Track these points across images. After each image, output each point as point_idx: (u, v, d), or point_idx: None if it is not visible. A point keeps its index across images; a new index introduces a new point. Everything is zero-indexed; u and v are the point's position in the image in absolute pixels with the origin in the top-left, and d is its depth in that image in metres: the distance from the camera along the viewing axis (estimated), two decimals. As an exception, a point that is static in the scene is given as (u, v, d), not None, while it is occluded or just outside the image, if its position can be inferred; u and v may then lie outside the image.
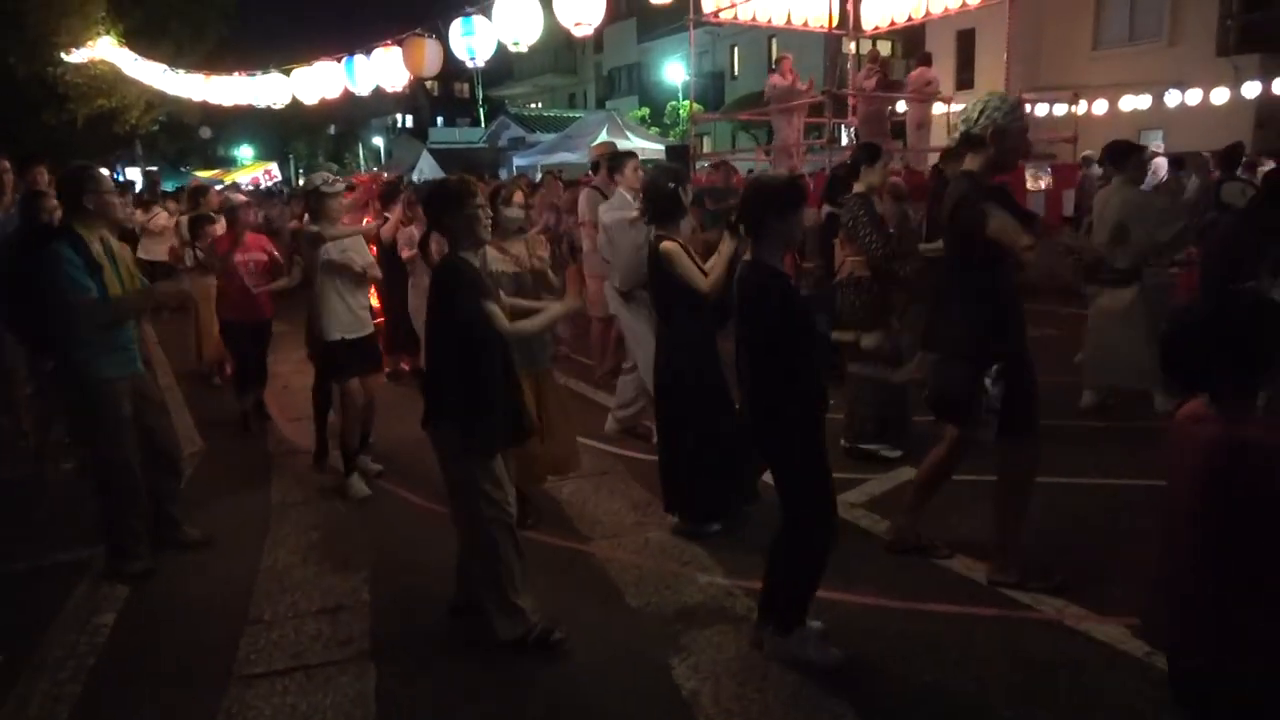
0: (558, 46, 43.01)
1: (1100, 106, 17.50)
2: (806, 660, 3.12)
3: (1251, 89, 16.06)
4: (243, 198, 7.30)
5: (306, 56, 10.71)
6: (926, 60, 12.89)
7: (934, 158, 12.70)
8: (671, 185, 4.35)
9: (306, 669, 3.31)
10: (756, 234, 3.14)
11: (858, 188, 5.31)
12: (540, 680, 3.17)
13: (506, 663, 3.29)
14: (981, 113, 3.46)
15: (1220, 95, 15.95)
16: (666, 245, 4.20)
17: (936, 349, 3.79)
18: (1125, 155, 5.86)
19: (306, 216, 5.63)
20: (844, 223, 5.31)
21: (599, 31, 39.71)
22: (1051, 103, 17.11)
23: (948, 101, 14.04)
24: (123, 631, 3.68)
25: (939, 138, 12.80)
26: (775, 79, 11.87)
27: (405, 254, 6.84)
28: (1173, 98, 16.76)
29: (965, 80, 23.35)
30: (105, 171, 4.24)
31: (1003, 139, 3.45)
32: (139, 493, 4.16)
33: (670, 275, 4.19)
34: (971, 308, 3.51)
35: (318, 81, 10.59)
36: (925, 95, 12.43)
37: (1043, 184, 11.21)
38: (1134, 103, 17.29)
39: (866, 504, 4.62)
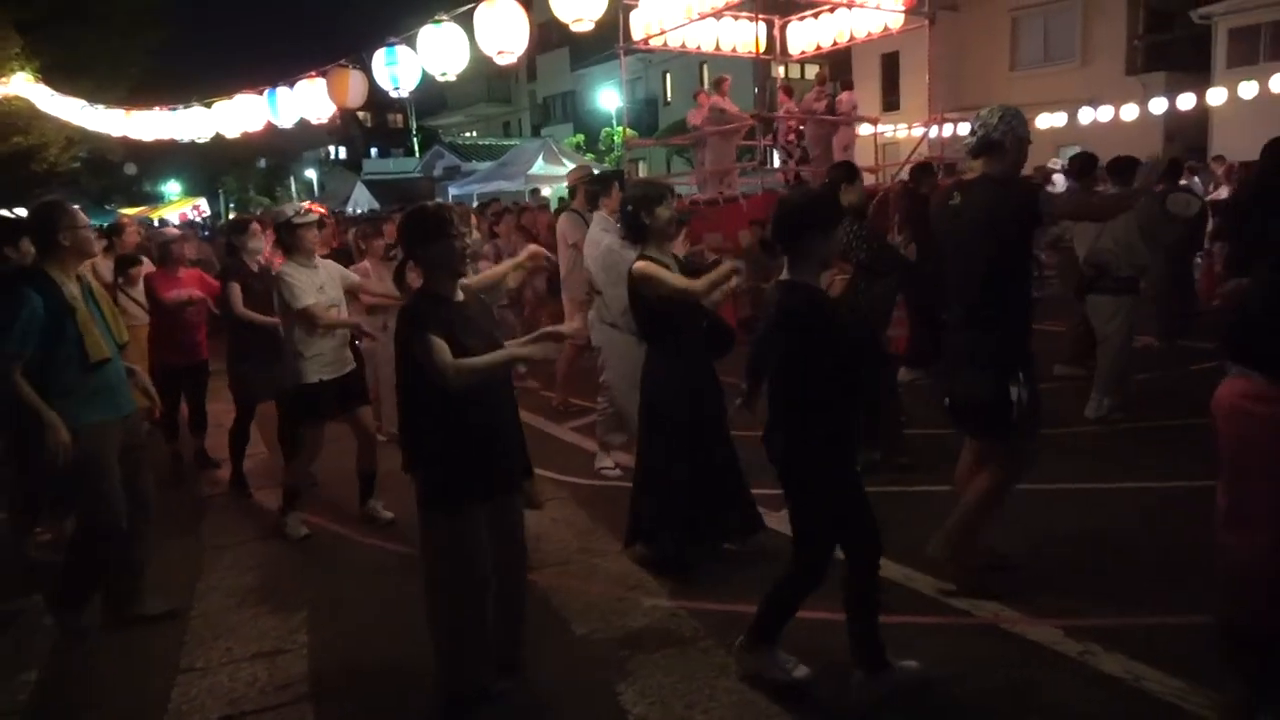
0: (490, 76, 43.04)
1: (1019, 125, 18.09)
2: (770, 678, 3.11)
3: (1159, 105, 16.79)
4: (174, 232, 6.97)
5: (228, 89, 10.55)
6: (848, 85, 13.26)
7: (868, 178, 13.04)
8: (629, 207, 4.12)
9: (243, 715, 3.21)
10: (792, 253, 3.01)
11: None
12: (486, 713, 3.13)
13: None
14: (1001, 119, 3.51)
15: (1130, 111, 16.65)
16: (638, 265, 4.01)
17: (967, 362, 3.61)
18: (1089, 168, 6.21)
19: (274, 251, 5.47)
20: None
21: (532, 60, 39.70)
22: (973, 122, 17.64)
23: (874, 123, 14.38)
24: (47, 689, 3.53)
25: (863, 159, 13.12)
26: (717, 100, 12.06)
27: (365, 295, 6.20)
28: (1086, 115, 17.44)
29: (892, 102, 24.01)
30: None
31: (1019, 147, 3.54)
32: (120, 545, 3.83)
33: (648, 299, 4.00)
34: (1012, 315, 3.53)
35: (240, 114, 10.42)
36: (854, 118, 12.78)
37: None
38: (1051, 120, 17.95)
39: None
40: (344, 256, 6.97)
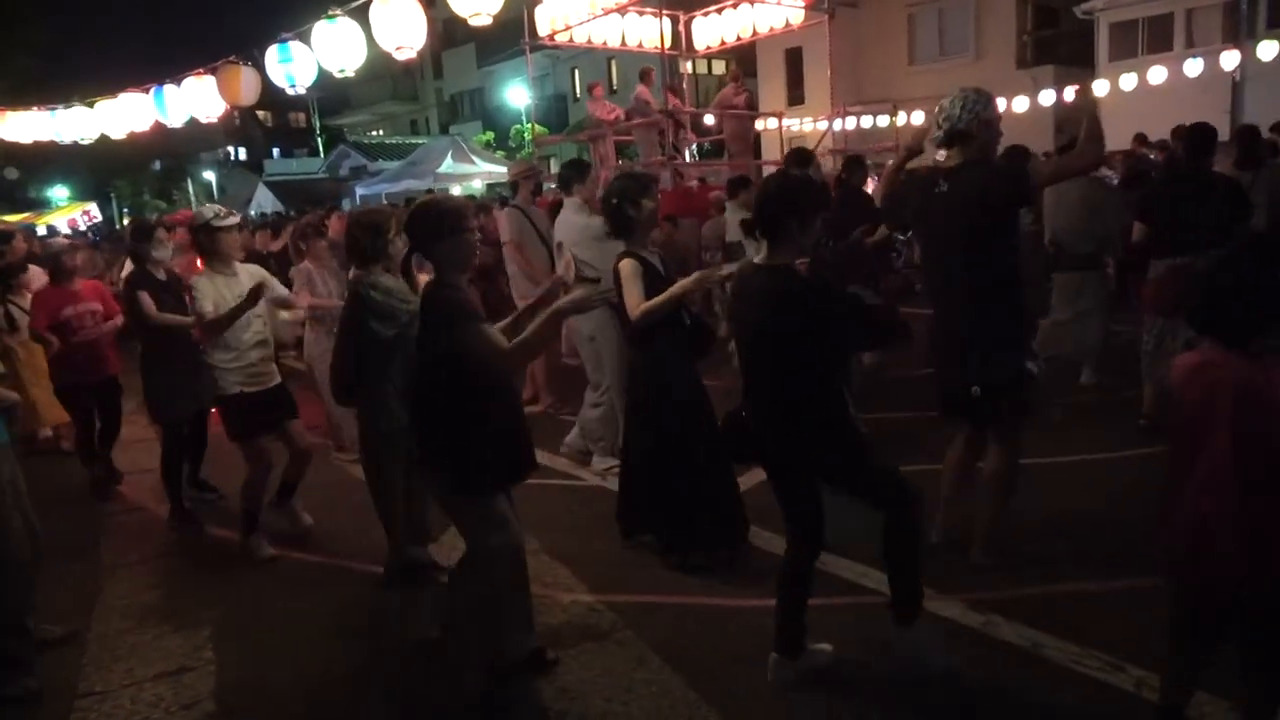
0: (395, 73, 42.24)
1: (918, 118, 18.61)
2: (928, 661, 3.03)
3: (1047, 97, 17.51)
4: (63, 241, 6.41)
5: (112, 88, 10.06)
6: (736, 78, 13.33)
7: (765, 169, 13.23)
8: (614, 200, 4.04)
9: (146, 739, 3.09)
10: (773, 236, 2.94)
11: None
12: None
13: (366, 709, 3.18)
14: (963, 108, 3.51)
15: (1021, 104, 17.30)
16: (624, 264, 3.95)
17: (977, 346, 3.55)
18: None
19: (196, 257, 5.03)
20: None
21: (438, 56, 39.08)
22: (875, 115, 18.13)
23: (780, 117, 14.64)
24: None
25: (770, 152, 13.33)
26: (642, 90, 12.08)
27: (305, 299, 5.84)
28: (981, 107, 18.05)
29: (797, 97, 24.45)
30: None
31: (987, 129, 3.54)
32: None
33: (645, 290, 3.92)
34: (1016, 292, 3.54)
35: (126, 114, 9.94)
36: (764, 113, 12.99)
37: (870, 188, 11.81)
38: (948, 113, 18.52)
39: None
40: (255, 260, 6.68)
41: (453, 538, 3.85)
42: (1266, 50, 14.64)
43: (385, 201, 20.27)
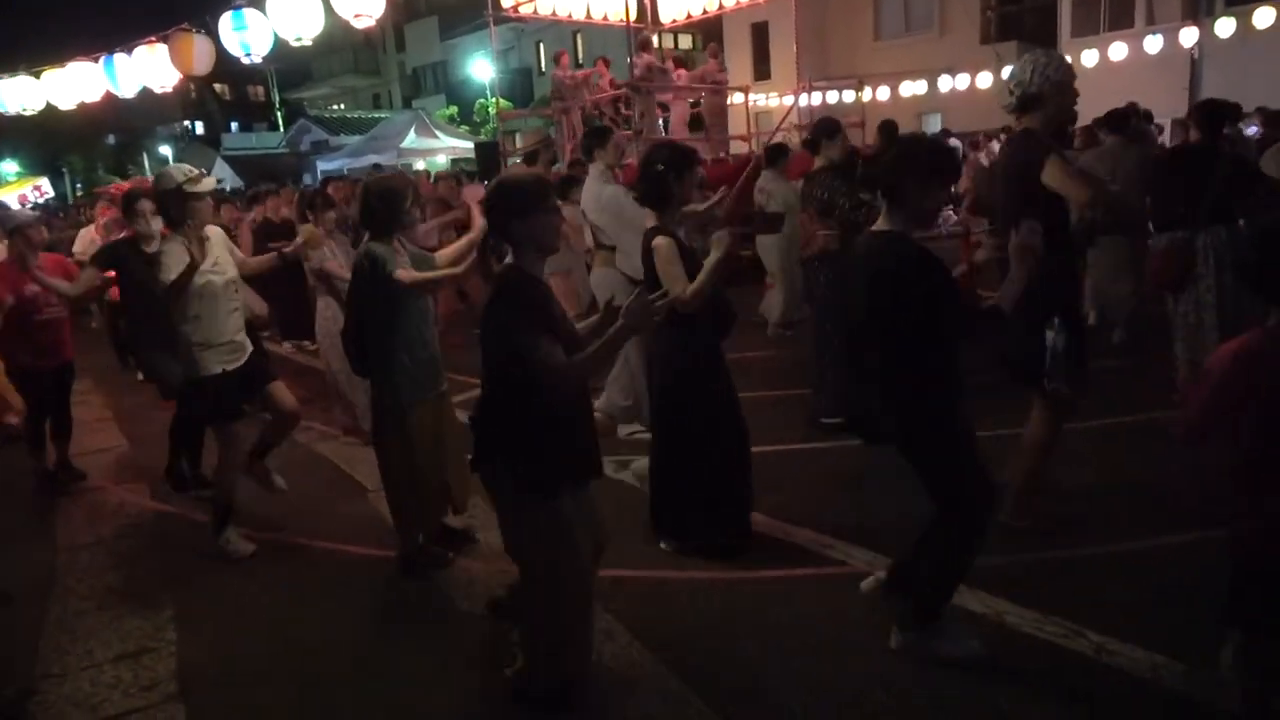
0: (357, 46, 41.49)
1: (883, 93, 18.75)
2: (949, 656, 2.92)
3: (1010, 73, 17.64)
4: (29, 214, 5.98)
5: (59, 57, 9.75)
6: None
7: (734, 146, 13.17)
8: (659, 167, 3.78)
9: (107, 721, 3.04)
10: (892, 199, 2.82)
11: (819, 162, 5.38)
12: (363, 698, 3.06)
13: (326, 688, 3.15)
14: (1033, 73, 3.46)
15: (985, 79, 17.43)
16: (657, 240, 3.74)
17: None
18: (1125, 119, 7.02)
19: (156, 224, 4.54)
20: (817, 196, 5.24)
21: (400, 29, 38.34)
22: (840, 90, 18.13)
23: (746, 91, 14.58)
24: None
25: (736, 126, 13.26)
26: (650, 59, 11.79)
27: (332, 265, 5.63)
28: (945, 83, 18.17)
29: (763, 71, 24.37)
30: None
31: (1059, 91, 3.48)
32: None
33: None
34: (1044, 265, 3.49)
35: (75, 84, 9.65)
36: (731, 88, 12.87)
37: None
38: (913, 88, 18.62)
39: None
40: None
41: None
42: (1224, 27, 14.85)
43: (346, 174, 19.93)
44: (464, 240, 4.20)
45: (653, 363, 4.01)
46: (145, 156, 45.58)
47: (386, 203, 3.81)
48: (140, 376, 8.34)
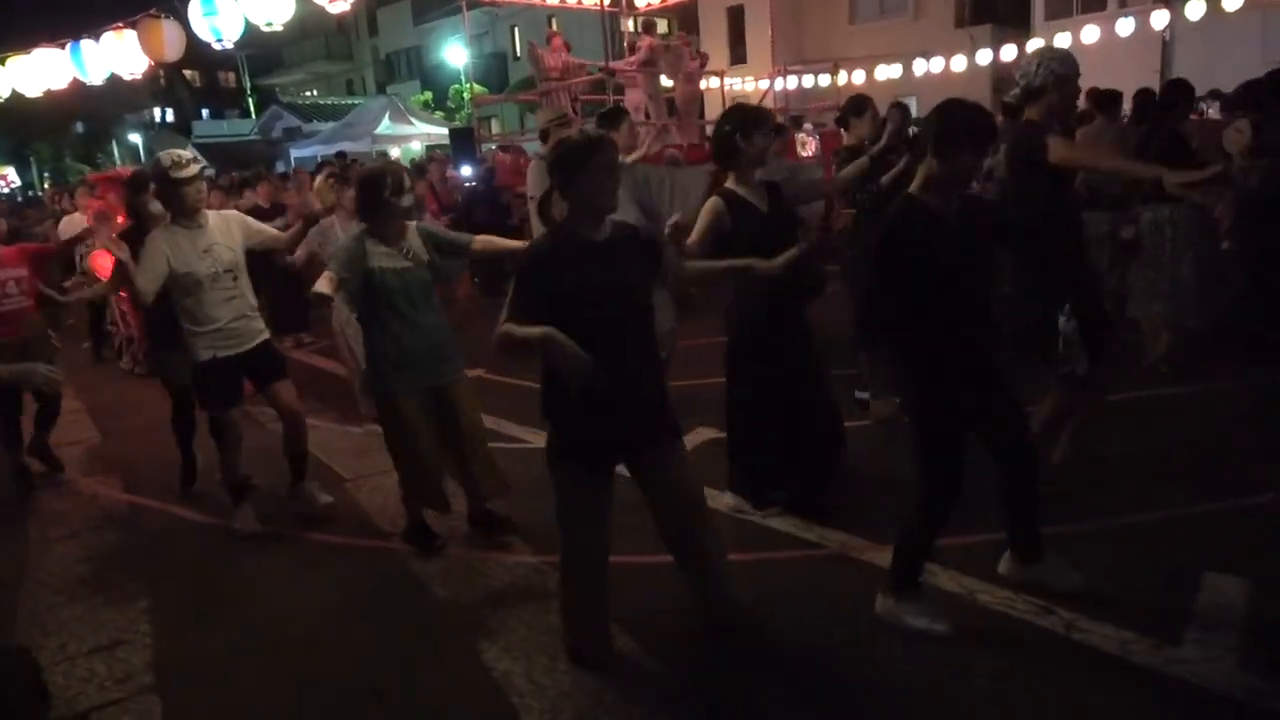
0: (329, 31, 40.97)
1: (859, 77, 18.71)
2: (912, 629, 3.00)
3: (985, 56, 17.68)
4: None
5: (24, 43, 9.56)
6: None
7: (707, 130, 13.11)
8: (728, 128, 3.83)
9: (79, 716, 3.01)
10: (924, 160, 2.87)
11: (848, 140, 5.38)
12: (335, 683, 3.06)
13: (302, 676, 3.14)
14: (1039, 66, 3.61)
15: (959, 63, 17.44)
16: (710, 203, 3.80)
17: (1020, 296, 3.66)
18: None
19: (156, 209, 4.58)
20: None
21: (373, 14, 37.79)
22: (816, 74, 18.12)
23: (721, 75, 14.55)
24: None
25: (713, 111, 13.19)
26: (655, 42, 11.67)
27: (300, 253, 5.64)
28: (920, 66, 18.17)
29: (739, 56, 24.33)
30: None
31: (1062, 86, 3.61)
32: None
33: (725, 236, 3.73)
34: (1031, 245, 3.53)
35: (40, 70, 9.46)
36: (707, 72, 12.77)
37: (810, 149, 11.85)
38: (888, 72, 18.60)
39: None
40: None
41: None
42: (1194, 10, 14.93)
43: (319, 161, 19.72)
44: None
45: (730, 322, 4.02)
46: (115, 145, 44.88)
47: (367, 191, 3.80)
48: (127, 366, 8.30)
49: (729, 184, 3.88)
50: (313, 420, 5.96)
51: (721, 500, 4.06)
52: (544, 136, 6.54)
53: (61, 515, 4.95)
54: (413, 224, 3.92)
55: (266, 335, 4.42)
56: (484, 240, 4.08)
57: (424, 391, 3.81)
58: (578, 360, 2.57)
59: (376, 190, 3.77)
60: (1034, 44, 17.18)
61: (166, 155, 4.14)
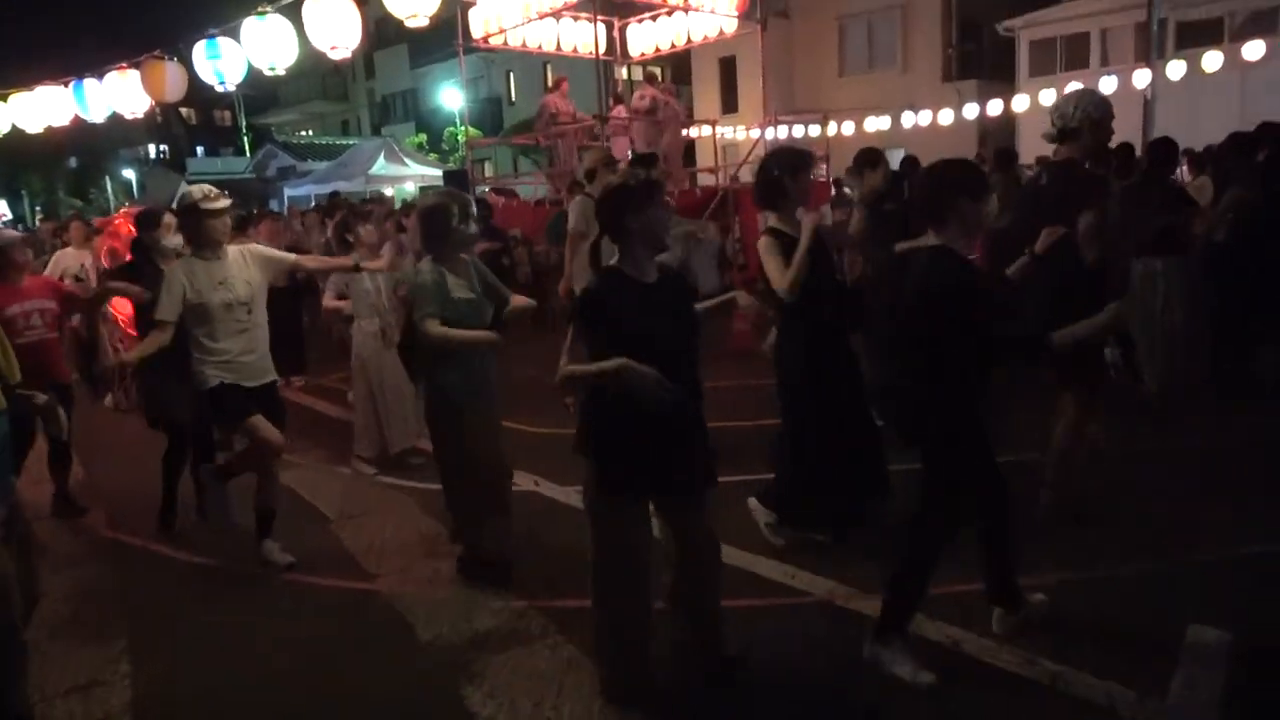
0: (326, 72, 41.43)
1: (848, 127, 19.05)
2: (897, 677, 2.99)
3: (971, 110, 18.04)
4: (13, 233, 5.52)
5: (27, 80, 9.67)
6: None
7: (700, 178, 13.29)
8: (775, 171, 3.92)
9: (55, 757, 2.97)
10: (940, 219, 2.98)
11: (862, 190, 5.50)
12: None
13: (286, 714, 3.11)
14: (1076, 107, 3.78)
15: (946, 116, 17.78)
16: (761, 238, 3.90)
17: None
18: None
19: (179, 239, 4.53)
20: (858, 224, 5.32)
21: (369, 57, 38.18)
22: (806, 124, 18.40)
23: (714, 124, 14.79)
24: None
25: (704, 159, 13.37)
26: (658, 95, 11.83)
27: (327, 303, 5.85)
28: (908, 119, 18.51)
29: (730, 105, 24.73)
30: None
31: (1096, 129, 3.78)
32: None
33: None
34: (1073, 282, 3.71)
35: (42, 108, 9.57)
36: (698, 120, 13.00)
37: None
38: (876, 124, 18.93)
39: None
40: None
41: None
42: (1175, 70, 15.33)
43: (314, 202, 19.84)
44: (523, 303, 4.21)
45: (779, 350, 4.09)
46: (108, 180, 45.03)
47: (432, 223, 3.83)
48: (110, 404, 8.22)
49: (776, 224, 3.95)
50: (299, 459, 5.99)
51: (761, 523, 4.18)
52: (590, 176, 6.60)
53: (43, 551, 4.88)
54: (465, 257, 3.96)
55: (274, 378, 4.39)
56: (518, 300, 4.14)
57: (479, 414, 3.85)
58: (660, 383, 2.63)
59: (446, 219, 3.80)
60: (1019, 100, 17.58)
61: (197, 189, 4.22)
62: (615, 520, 2.88)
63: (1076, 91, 3.97)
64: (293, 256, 4.66)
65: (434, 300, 3.69)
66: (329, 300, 5.92)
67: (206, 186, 4.26)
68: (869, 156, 5.55)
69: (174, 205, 4.43)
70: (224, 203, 4.20)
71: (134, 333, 5.22)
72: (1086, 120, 3.81)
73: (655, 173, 5.52)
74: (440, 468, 4.03)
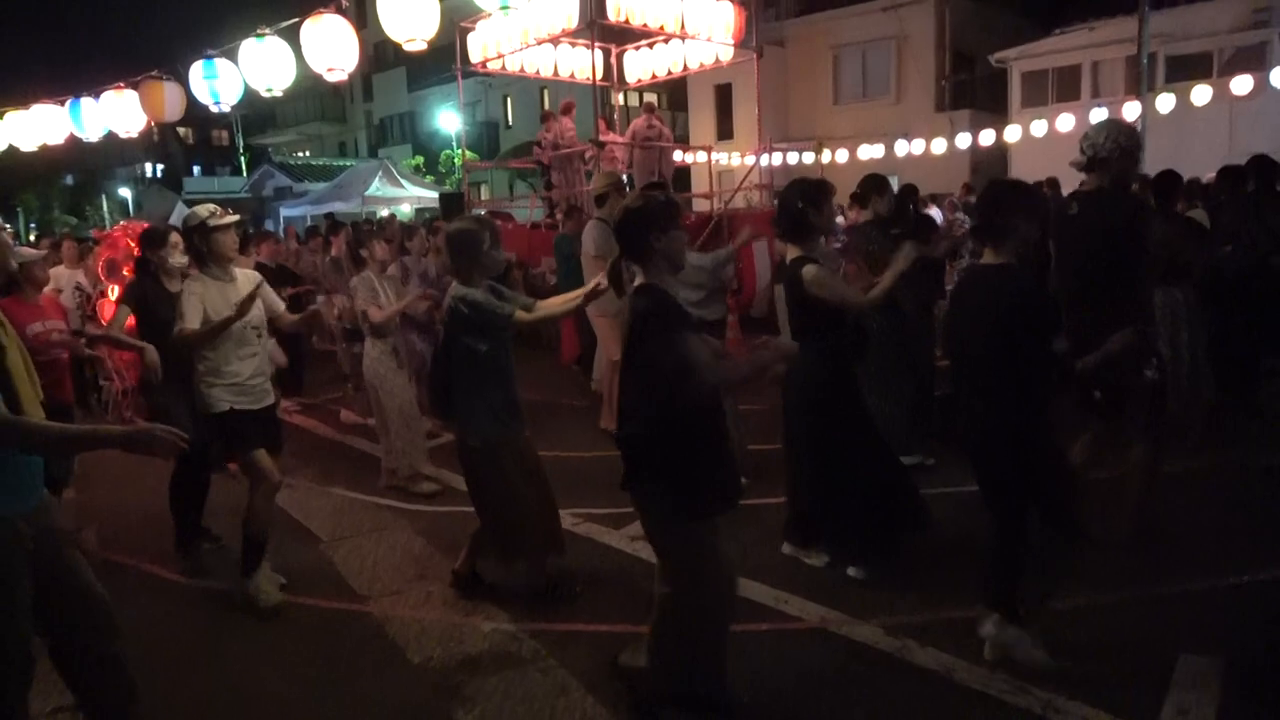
0: (324, 94, 41.63)
1: (842, 155, 19.26)
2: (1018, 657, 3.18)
3: (963, 140, 18.24)
4: (34, 251, 5.35)
5: (24, 99, 9.71)
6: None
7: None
8: (799, 204, 3.93)
9: (40, 778, 2.94)
10: (999, 238, 3.12)
11: (864, 216, 5.54)
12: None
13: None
14: (1108, 137, 3.85)
15: (939, 145, 17.98)
16: (807, 268, 3.85)
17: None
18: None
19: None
20: (865, 249, 5.36)
21: (368, 79, 38.27)
22: (800, 151, 18.60)
23: (709, 150, 14.90)
24: None
25: (699, 184, 13.46)
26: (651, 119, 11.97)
27: (375, 314, 5.65)
28: (901, 147, 18.71)
29: (726, 131, 24.90)
30: None
31: (1125, 159, 3.86)
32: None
33: (811, 300, 3.86)
34: (1137, 310, 3.82)
35: (38, 126, 9.59)
36: (693, 146, 13.11)
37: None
38: (870, 151, 19.13)
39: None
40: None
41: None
42: (1164, 102, 15.54)
43: (310, 222, 19.88)
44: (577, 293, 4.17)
45: (790, 384, 4.10)
46: (104, 198, 45.06)
47: (464, 247, 3.84)
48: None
49: (799, 254, 3.95)
50: (292, 480, 5.96)
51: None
52: (600, 201, 6.62)
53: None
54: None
55: (273, 400, 4.36)
56: (549, 302, 4.14)
57: (512, 442, 3.87)
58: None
59: (477, 244, 3.82)
60: (1011, 130, 17.77)
61: (203, 208, 4.21)
62: (711, 544, 2.86)
63: (1107, 121, 4.03)
64: (281, 307, 4.54)
65: (496, 304, 3.76)
66: (374, 314, 5.69)
67: (212, 205, 4.25)
68: (876, 183, 5.64)
69: (180, 224, 4.40)
70: (231, 218, 4.20)
71: (128, 355, 5.15)
72: (1117, 150, 3.88)
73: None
74: (482, 501, 3.96)
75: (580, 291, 3.97)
